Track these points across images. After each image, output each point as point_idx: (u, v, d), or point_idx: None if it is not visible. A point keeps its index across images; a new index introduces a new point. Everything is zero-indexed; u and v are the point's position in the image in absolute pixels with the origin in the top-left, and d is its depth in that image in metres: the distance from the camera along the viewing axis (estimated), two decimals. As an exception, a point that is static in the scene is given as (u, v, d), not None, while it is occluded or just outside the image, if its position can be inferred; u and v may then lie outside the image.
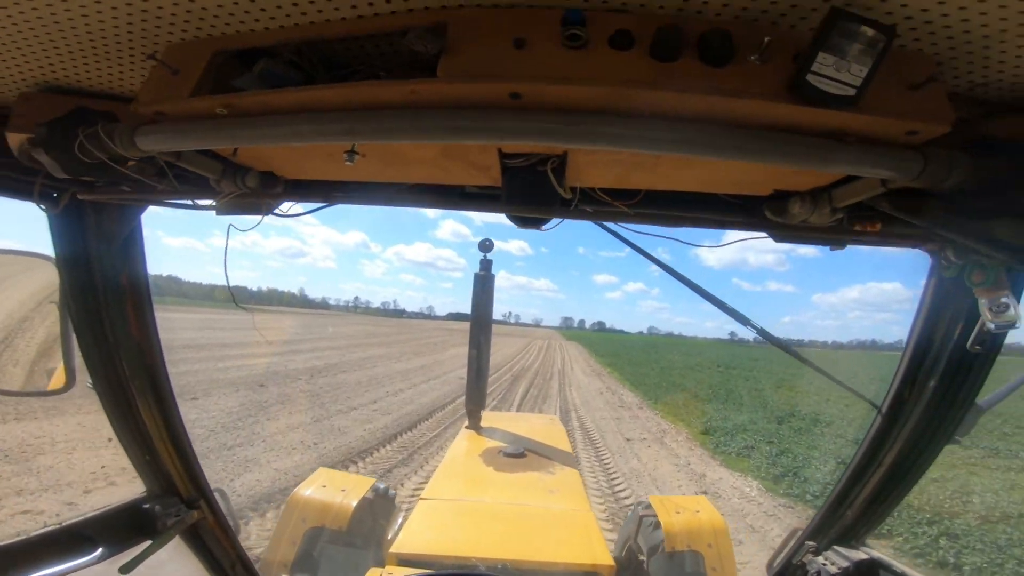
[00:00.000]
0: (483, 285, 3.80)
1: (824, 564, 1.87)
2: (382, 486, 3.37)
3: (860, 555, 1.85)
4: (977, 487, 10.34)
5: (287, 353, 26.47)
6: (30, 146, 1.12)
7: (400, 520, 3.28)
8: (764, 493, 9.76)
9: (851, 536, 1.92)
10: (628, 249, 1.55)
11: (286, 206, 1.48)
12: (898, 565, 1.75)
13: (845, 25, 0.75)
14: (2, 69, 1.13)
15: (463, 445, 3.82)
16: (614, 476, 9.70)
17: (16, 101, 1.21)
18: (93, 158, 1.10)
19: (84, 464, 7.71)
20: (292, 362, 22.86)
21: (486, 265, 3.77)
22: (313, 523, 2.91)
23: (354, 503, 2.99)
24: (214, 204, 1.41)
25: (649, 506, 3.33)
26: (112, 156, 1.09)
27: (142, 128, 1.01)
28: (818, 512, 1.99)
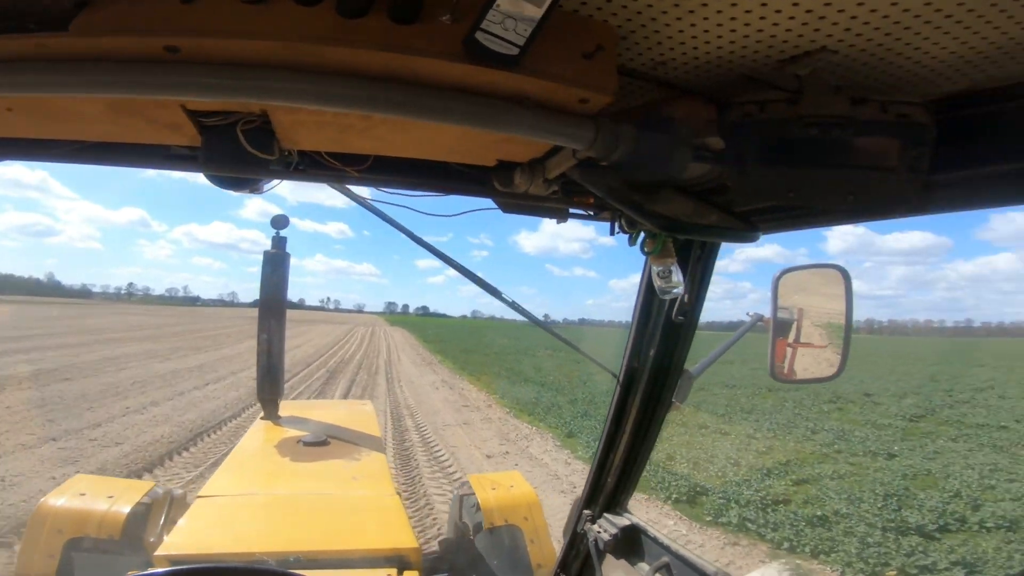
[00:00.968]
0: (275, 264, 3.45)
1: (599, 532, 2.01)
2: (163, 490, 3.07)
3: (624, 521, 2.00)
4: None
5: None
6: None
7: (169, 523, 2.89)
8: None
9: (616, 504, 2.07)
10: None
11: None
12: (651, 530, 1.92)
13: None
14: None
15: (257, 437, 3.42)
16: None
17: None
18: None
19: None
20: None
21: (279, 243, 3.44)
22: (73, 533, 2.61)
23: (126, 509, 2.70)
24: None
25: (468, 485, 3.43)
26: None
27: None
28: (587, 481, 2.12)
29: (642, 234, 1.44)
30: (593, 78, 0.88)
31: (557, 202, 1.39)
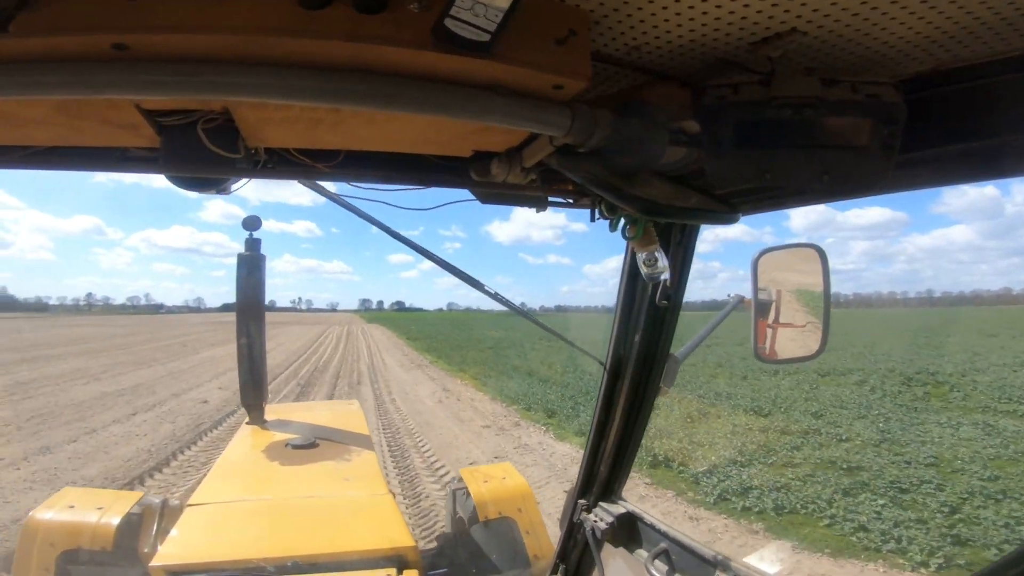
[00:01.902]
0: (250, 267, 3.42)
1: (596, 521, 1.98)
2: (154, 500, 3.03)
3: (620, 509, 1.97)
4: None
5: None
6: None
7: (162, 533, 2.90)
8: None
9: (610, 492, 2.04)
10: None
11: None
12: (648, 516, 1.91)
13: None
14: None
15: (244, 442, 3.40)
16: None
17: None
18: None
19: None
20: None
21: (253, 244, 3.41)
22: (66, 546, 2.60)
23: (116, 520, 2.69)
24: None
25: (461, 479, 3.40)
26: None
27: None
28: (580, 470, 2.09)
29: (623, 220, 1.43)
30: (567, 64, 0.87)
31: (536, 190, 1.39)
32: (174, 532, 2.21)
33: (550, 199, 1.44)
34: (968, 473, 8.10)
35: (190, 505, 2.43)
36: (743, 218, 1.38)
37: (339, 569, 2.00)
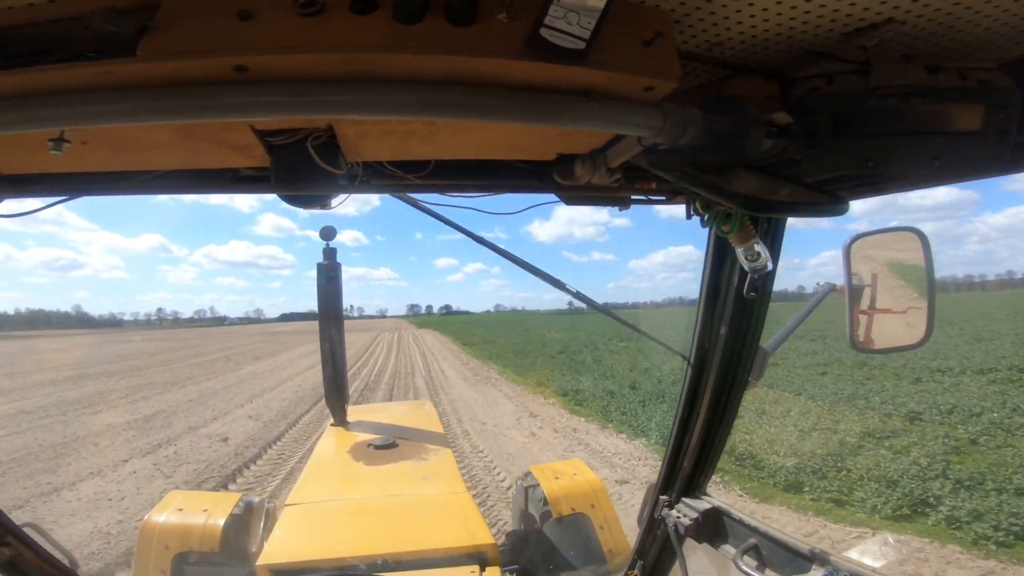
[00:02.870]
0: (328, 275, 3.50)
1: (679, 517, 1.94)
2: (254, 499, 3.15)
3: (705, 505, 1.93)
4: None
5: None
6: None
7: (265, 532, 3.02)
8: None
9: (694, 487, 2.00)
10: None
11: (9, 205, 1.37)
12: (735, 512, 1.86)
13: None
14: None
15: (329, 443, 3.60)
16: None
17: None
18: None
19: None
20: None
21: (330, 254, 3.48)
22: (179, 549, 2.70)
23: (221, 521, 2.79)
24: None
25: (531, 476, 3.37)
26: None
27: None
28: (662, 465, 2.07)
29: (716, 215, 1.42)
30: (656, 65, 0.88)
31: (619, 190, 1.39)
32: (276, 532, 2.36)
33: (634, 197, 1.46)
34: None
35: (288, 505, 2.60)
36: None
37: (425, 567, 2.07)
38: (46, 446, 10.00)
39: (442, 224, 1.61)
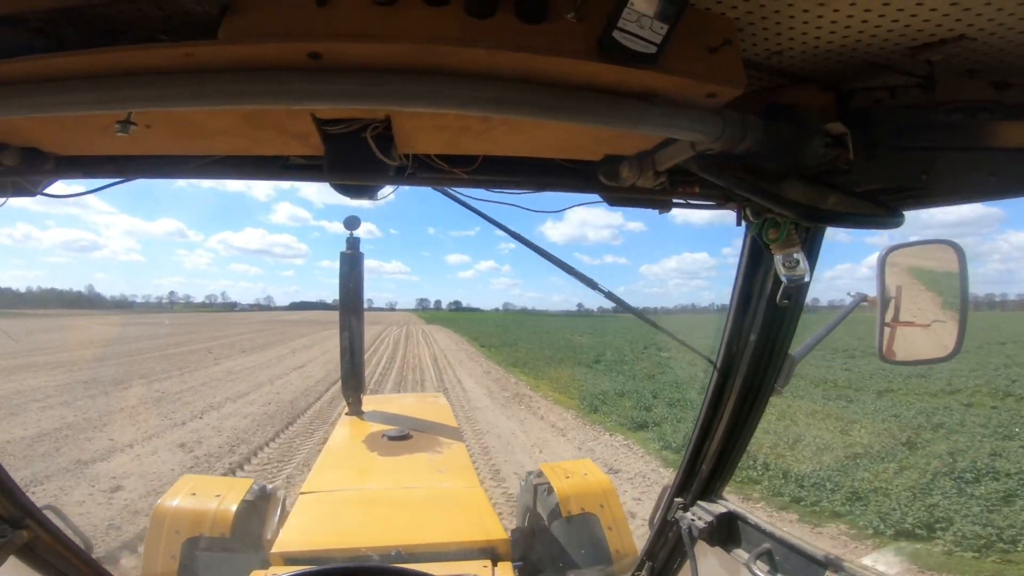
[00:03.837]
0: (351, 265, 3.60)
1: (693, 519, 1.94)
2: (265, 486, 3.14)
3: (720, 508, 1.93)
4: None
5: None
6: None
7: (282, 519, 3.06)
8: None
9: (710, 491, 2.01)
10: (478, 227, 1.56)
11: (60, 186, 1.40)
12: (751, 516, 1.87)
13: None
14: None
15: (344, 432, 3.67)
16: None
17: None
18: None
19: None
20: None
21: (353, 243, 3.57)
22: (190, 533, 2.69)
23: (234, 507, 2.78)
24: None
25: (541, 474, 3.35)
26: None
27: None
28: (679, 468, 2.08)
29: (765, 222, 1.42)
30: (721, 72, 0.88)
31: (663, 193, 1.38)
32: (291, 520, 2.39)
33: (677, 200, 1.44)
34: None
35: (303, 493, 2.67)
36: None
37: (438, 559, 2.05)
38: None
39: (457, 221, 1.58)
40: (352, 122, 1.09)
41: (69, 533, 1.87)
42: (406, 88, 0.83)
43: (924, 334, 1.52)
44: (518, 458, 9.10)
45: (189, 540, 2.64)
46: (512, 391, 16.88)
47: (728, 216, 1.53)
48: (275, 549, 2.12)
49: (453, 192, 1.50)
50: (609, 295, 1.85)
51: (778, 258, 1.42)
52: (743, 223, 1.49)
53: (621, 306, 1.96)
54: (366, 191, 1.33)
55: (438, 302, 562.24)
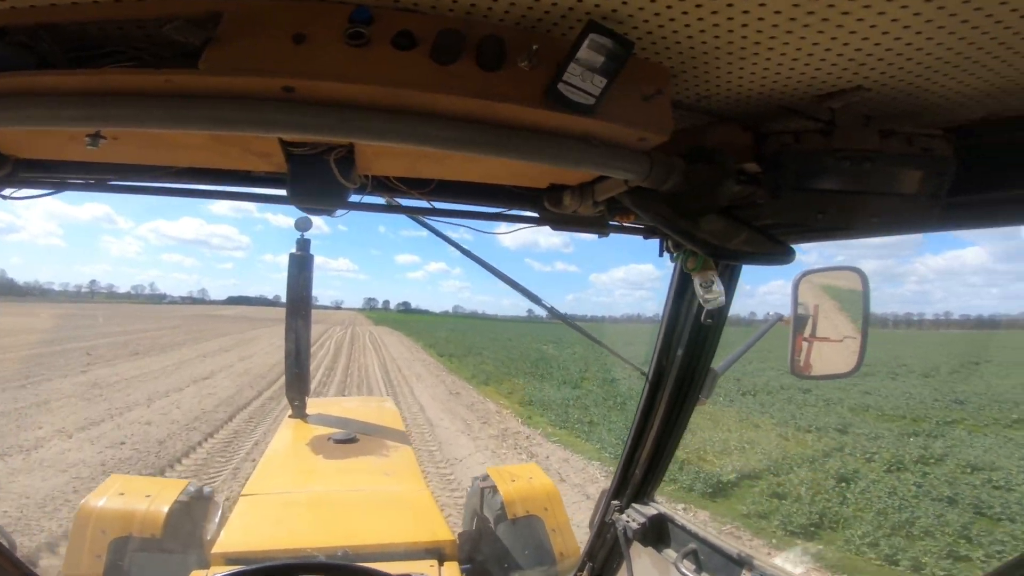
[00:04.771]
0: (300, 267, 3.45)
1: (628, 521, 2.06)
2: (201, 488, 3.11)
3: (652, 510, 2.05)
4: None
5: None
6: None
7: (222, 521, 3.04)
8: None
9: (643, 494, 2.13)
10: (425, 232, 1.75)
11: (18, 189, 1.37)
12: (679, 518, 2.00)
13: (595, 38, 0.82)
14: None
15: (287, 435, 3.57)
16: None
17: None
18: None
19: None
20: None
21: (303, 245, 3.42)
22: (117, 533, 2.66)
23: (166, 507, 2.76)
24: None
25: (488, 477, 3.42)
26: None
27: None
28: (616, 472, 2.20)
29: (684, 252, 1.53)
30: (652, 119, 0.98)
31: (601, 220, 1.50)
32: (232, 521, 2.33)
33: (613, 224, 1.56)
34: None
35: (244, 495, 2.57)
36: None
37: (385, 559, 2.06)
38: None
39: (411, 223, 1.68)
40: (317, 145, 1.13)
41: None
42: (371, 124, 0.89)
43: (832, 351, 1.68)
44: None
45: (117, 540, 2.61)
46: (497, 426, 12.73)
47: None
48: (216, 549, 2.10)
49: (413, 213, 1.60)
50: (552, 310, 2.03)
51: (696, 281, 1.49)
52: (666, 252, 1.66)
53: (564, 322, 2.22)
54: (326, 210, 1.39)
55: (386, 302, 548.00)
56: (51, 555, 4.97)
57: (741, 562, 1.70)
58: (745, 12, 0.81)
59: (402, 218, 1.69)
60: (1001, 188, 1.13)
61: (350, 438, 3.32)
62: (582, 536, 2.76)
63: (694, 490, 8.60)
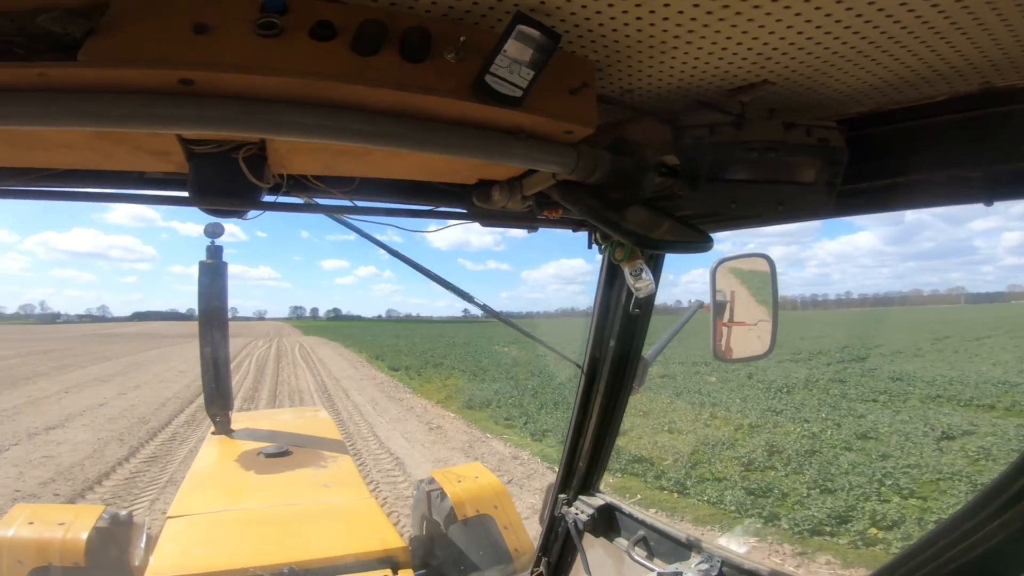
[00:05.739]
0: (212, 275, 3.37)
1: (577, 514, 2.08)
2: (118, 513, 2.97)
3: (599, 501, 2.08)
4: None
5: None
6: None
7: (150, 545, 2.95)
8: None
9: (588, 486, 2.15)
10: (352, 234, 1.68)
11: None
12: (625, 506, 2.02)
13: (522, 29, 0.82)
14: None
15: (211, 453, 3.36)
16: None
17: None
18: None
19: None
20: None
21: (214, 252, 3.35)
22: (35, 563, 2.49)
23: (84, 535, 2.61)
24: None
25: (433, 480, 3.36)
26: None
27: None
28: (560, 467, 2.21)
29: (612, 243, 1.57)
30: (578, 112, 0.98)
31: (530, 215, 1.52)
32: (162, 545, 2.21)
33: (542, 217, 1.58)
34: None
35: (171, 517, 2.44)
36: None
37: (336, 573, 2.01)
38: None
39: (335, 226, 1.61)
40: (223, 143, 1.05)
41: None
42: (281, 118, 0.83)
43: (748, 335, 1.74)
44: None
45: (36, 570, 2.49)
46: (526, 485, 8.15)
47: None
48: (149, 575, 2.01)
49: (334, 213, 1.53)
50: (486, 309, 2.00)
51: (625, 271, 1.52)
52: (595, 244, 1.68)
53: (500, 320, 2.22)
54: (235, 212, 1.25)
55: (315, 310, 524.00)
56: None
57: (689, 545, 1.75)
58: (666, 5, 0.83)
59: (327, 222, 1.68)
60: (888, 176, 1.22)
61: (282, 451, 3.19)
62: (534, 531, 2.73)
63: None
